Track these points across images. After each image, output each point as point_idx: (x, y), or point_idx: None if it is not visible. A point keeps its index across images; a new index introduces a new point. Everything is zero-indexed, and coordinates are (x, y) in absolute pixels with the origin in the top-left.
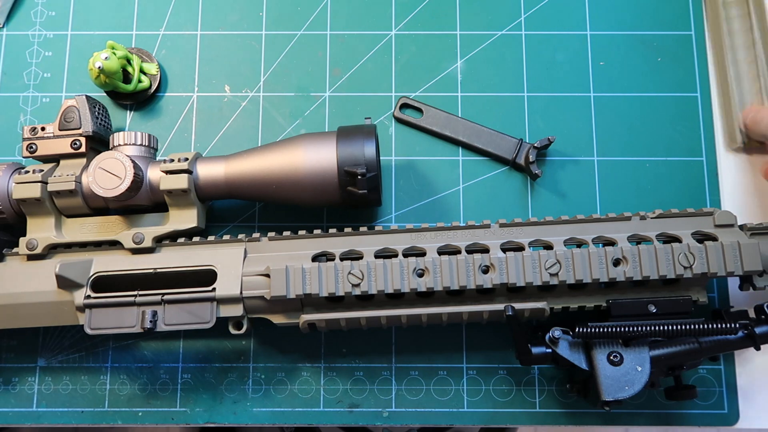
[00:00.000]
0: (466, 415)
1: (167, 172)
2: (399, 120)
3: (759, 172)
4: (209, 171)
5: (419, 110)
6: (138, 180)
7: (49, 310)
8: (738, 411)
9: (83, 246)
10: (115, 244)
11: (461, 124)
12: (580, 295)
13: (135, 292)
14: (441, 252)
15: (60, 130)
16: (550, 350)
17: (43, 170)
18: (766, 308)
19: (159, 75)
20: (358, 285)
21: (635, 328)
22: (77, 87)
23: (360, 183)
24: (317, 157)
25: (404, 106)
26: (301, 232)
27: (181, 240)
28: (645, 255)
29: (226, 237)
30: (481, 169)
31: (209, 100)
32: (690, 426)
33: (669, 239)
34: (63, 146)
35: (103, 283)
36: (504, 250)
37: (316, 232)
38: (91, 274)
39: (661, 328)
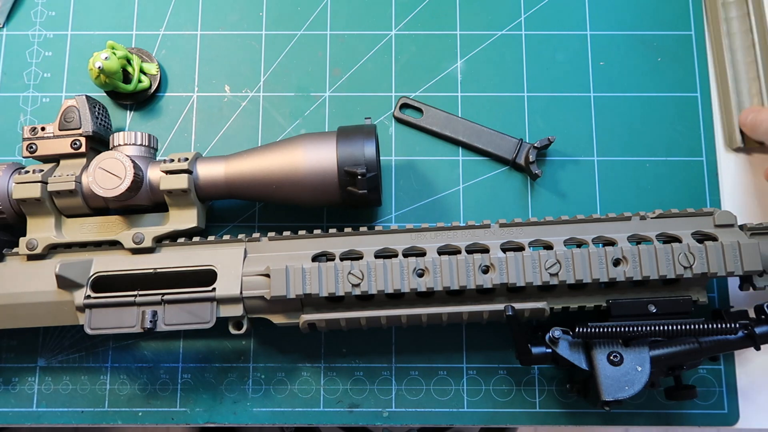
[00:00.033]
0: (466, 415)
1: (167, 172)
2: (399, 120)
3: (759, 172)
4: (209, 171)
5: (419, 110)
6: (138, 180)
7: (49, 310)
8: (738, 411)
9: (83, 246)
10: (115, 244)
11: (461, 124)
12: (580, 295)
13: (135, 292)
14: (441, 252)
15: (60, 130)
16: (550, 350)
17: (43, 170)
18: (766, 308)
19: (159, 75)
20: (358, 285)
21: (635, 328)
22: (77, 87)
23: (360, 183)
24: (317, 157)
25: (404, 106)
26: (301, 232)
27: (181, 240)
28: (645, 255)
29: (226, 237)
30: (481, 169)
31: (209, 100)
32: (690, 426)
33: (669, 239)
34: (63, 146)
35: (103, 283)
36: (504, 250)
37: (316, 232)
38: (91, 274)
39: (661, 328)
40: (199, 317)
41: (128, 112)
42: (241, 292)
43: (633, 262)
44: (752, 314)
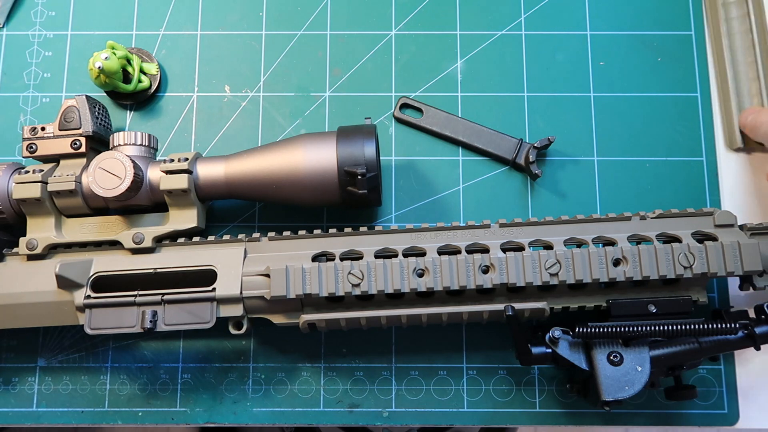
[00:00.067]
0: (466, 415)
1: (167, 172)
2: (399, 120)
3: (759, 173)
4: (209, 171)
5: (419, 110)
6: (138, 180)
7: (49, 310)
8: (738, 411)
9: (83, 246)
10: (115, 244)
11: (461, 124)
12: (580, 295)
13: (135, 292)
14: (441, 252)
15: (60, 130)
16: (550, 350)
17: (43, 170)
18: (766, 308)
19: (159, 75)
20: (358, 285)
21: (635, 328)
22: (77, 87)
23: (360, 183)
24: (317, 157)
25: (404, 106)
26: (301, 232)
27: (181, 240)
28: (645, 255)
29: (226, 237)
30: (481, 169)
31: (209, 100)
32: (690, 426)
33: (669, 239)
34: (63, 146)
35: (103, 283)
36: (504, 250)
37: (316, 232)
38: (91, 274)
39: (661, 328)
40: (199, 317)
41: (128, 112)
42: (241, 292)
43: (633, 262)
44: (752, 314)
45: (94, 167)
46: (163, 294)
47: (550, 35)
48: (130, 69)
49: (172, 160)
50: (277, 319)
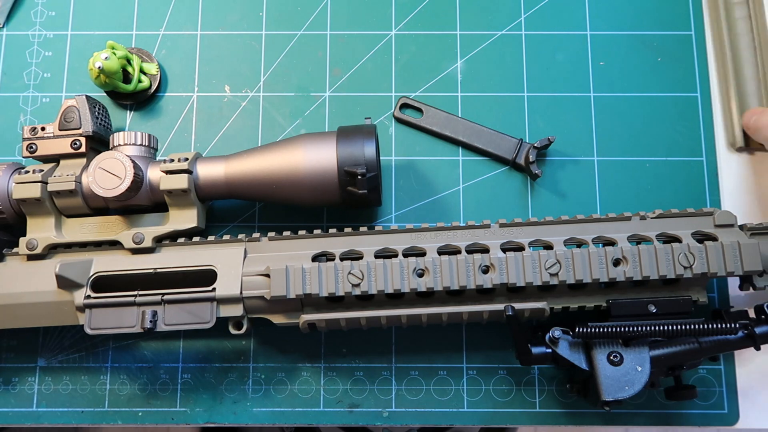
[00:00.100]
0: (466, 415)
1: (167, 172)
2: (399, 120)
3: (759, 173)
4: (209, 171)
5: (419, 110)
6: (138, 180)
7: (49, 310)
8: (738, 411)
9: (83, 246)
10: (115, 244)
11: (461, 124)
12: (580, 295)
13: (135, 292)
14: (441, 252)
15: (60, 130)
16: (550, 350)
17: (43, 170)
18: (766, 308)
19: (159, 75)
20: (358, 285)
21: (635, 328)
22: (77, 87)
23: (360, 183)
24: (317, 157)
25: (404, 106)
26: (301, 232)
27: (181, 240)
28: (645, 255)
29: (226, 237)
30: (481, 169)
31: (209, 100)
32: (690, 426)
33: (669, 239)
34: (63, 146)
35: (103, 283)
36: (504, 250)
37: (316, 232)
38: (91, 274)
39: (661, 328)
40: (199, 317)
41: (128, 112)
42: (241, 292)
43: (633, 262)
44: (752, 314)
45: (94, 167)
46: (163, 294)
47: (550, 35)
48: (130, 69)
49: (172, 160)
50: (277, 319)
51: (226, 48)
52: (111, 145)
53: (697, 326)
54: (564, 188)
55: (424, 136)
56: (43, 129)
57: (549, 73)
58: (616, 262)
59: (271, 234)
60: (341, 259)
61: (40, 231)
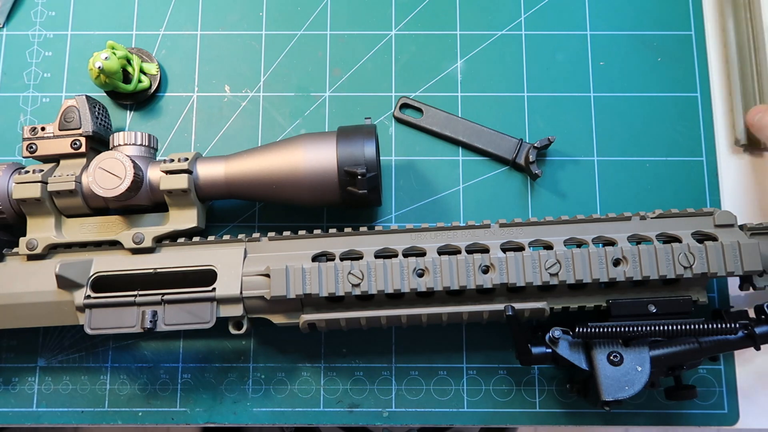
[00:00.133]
0: (466, 415)
1: (167, 172)
2: (399, 120)
3: (759, 172)
4: (209, 171)
5: (419, 110)
6: (138, 180)
7: (49, 310)
8: (738, 411)
9: (83, 246)
10: (115, 244)
11: (461, 124)
12: (580, 295)
13: (135, 292)
14: (441, 252)
15: (60, 130)
16: (550, 350)
17: (43, 170)
18: (766, 308)
19: (159, 75)
20: (358, 285)
21: (635, 328)
22: (77, 87)
23: (360, 183)
24: (317, 157)
25: (404, 106)
26: (301, 232)
27: (181, 240)
28: (645, 255)
29: (226, 237)
30: (481, 169)
31: (209, 100)
32: (690, 426)
33: (669, 239)
34: (63, 146)
35: (103, 283)
36: (504, 250)
37: (316, 232)
38: (91, 274)
39: (661, 328)
40: (199, 317)
41: (128, 112)
42: (241, 292)
43: (633, 262)
44: (752, 314)
45: (94, 167)
46: (163, 294)
47: (550, 35)
48: (130, 69)
49: (172, 160)
50: (277, 319)
51: (226, 48)
52: (111, 145)
53: (697, 326)
54: (564, 188)
55: (424, 136)
56: (43, 129)
57: (549, 73)
58: (616, 262)
59: (271, 234)
60: (341, 259)
61: (40, 231)
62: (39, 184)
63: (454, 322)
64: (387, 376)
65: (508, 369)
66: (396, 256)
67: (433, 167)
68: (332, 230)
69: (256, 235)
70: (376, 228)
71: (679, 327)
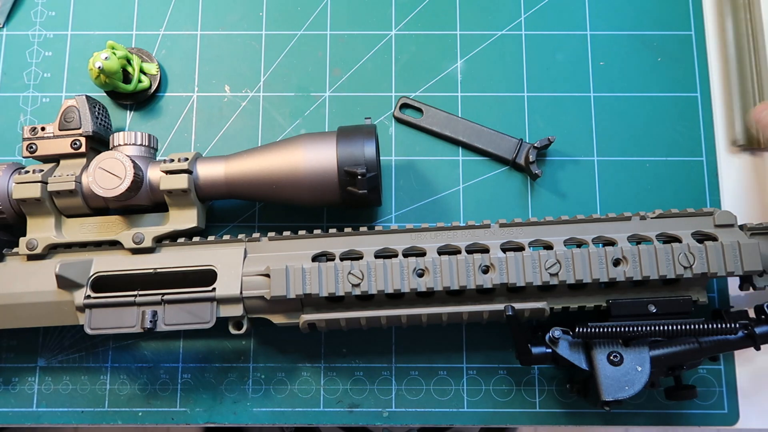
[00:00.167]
0: (466, 415)
1: (167, 172)
2: (399, 120)
3: (759, 172)
4: (209, 171)
5: (419, 110)
6: (138, 180)
7: (49, 310)
8: (738, 411)
9: (83, 246)
10: (115, 244)
11: (461, 124)
12: (580, 295)
13: (135, 292)
14: (441, 252)
15: (60, 130)
16: (550, 350)
17: (43, 170)
18: (766, 308)
19: (159, 75)
20: (358, 285)
21: (635, 328)
22: (77, 87)
23: (360, 183)
24: (317, 157)
25: (404, 106)
26: (301, 232)
27: (181, 240)
28: (645, 255)
29: (226, 237)
30: (481, 169)
31: (209, 100)
32: (690, 426)
33: (669, 239)
34: (63, 146)
35: (103, 283)
36: (504, 250)
37: (316, 232)
38: (91, 274)
39: (661, 328)
40: (199, 317)
41: (128, 112)
42: (241, 292)
43: (633, 262)
44: (752, 314)
45: (94, 167)
46: (163, 294)
47: (550, 35)
48: (130, 69)
49: (172, 160)
50: (277, 319)
51: (226, 48)
52: (111, 145)
53: (697, 326)
54: (564, 188)
55: (424, 136)
56: (43, 129)
57: (549, 73)
58: (616, 262)
59: (271, 234)
60: (341, 259)
61: (40, 231)
62: (39, 184)
63: (454, 322)
64: (387, 376)
65: (508, 369)
66: (396, 256)
67: (433, 167)
68: (332, 230)
69: (256, 235)
70: (376, 228)
71: (679, 327)
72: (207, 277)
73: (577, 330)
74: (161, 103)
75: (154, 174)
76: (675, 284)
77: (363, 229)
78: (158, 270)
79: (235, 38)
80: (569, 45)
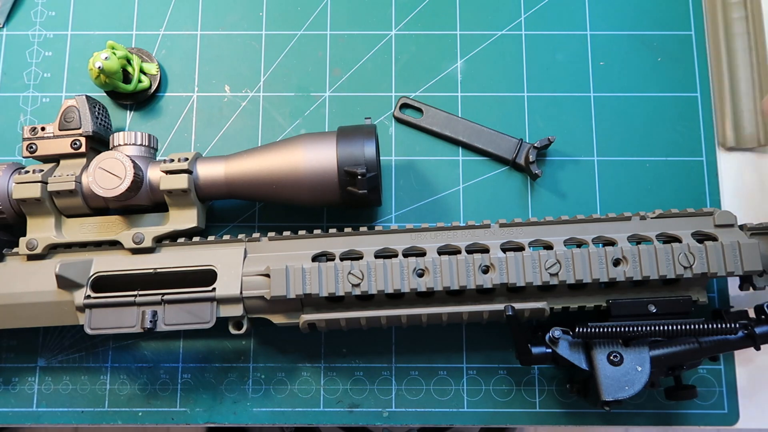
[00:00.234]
0: (466, 415)
1: (167, 172)
2: (399, 120)
3: (759, 172)
4: (209, 171)
5: (419, 110)
6: (138, 180)
7: (49, 310)
8: (738, 411)
9: (83, 246)
10: (115, 244)
11: (461, 124)
12: (580, 295)
13: (135, 292)
14: (441, 252)
15: (60, 130)
16: (550, 350)
17: (43, 170)
18: (766, 308)
19: (159, 75)
20: (358, 285)
21: (635, 328)
22: (77, 87)
23: (360, 183)
24: (317, 157)
25: (404, 106)
26: (301, 232)
27: (181, 240)
28: (645, 255)
29: (226, 237)
30: (481, 169)
31: (209, 100)
32: (690, 426)
33: (669, 239)
34: (63, 146)
35: (103, 283)
36: (504, 250)
37: (316, 232)
38: (91, 274)
39: (661, 328)
40: (199, 317)
41: (128, 112)
42: (241, 292)
43: (633, 262)
44: (752, 314)
45: (94, 167)
46: (163, 294)
47: (550, 35)
48: (130, 69)
49: (172, 160)
50: (277, 319)
51: (226, 48)
52: (111, 145)
53: (697, 326)
54: (564, 188)
55: (424, 136)
56: (43, 129)
57: (549, 73)
58: (616, 262)
59: (271, 234)
60: (341, 259)
61: (40, 231)
62: (39, 184)
63: (454, 322)
64: (387, 376)
65: (508, 369)
66: (396, 256)
67: (433, 167)
68: (332, 230)
69: (256, 235)
70: (376, 228)
71: (679, 327)
72: (207, 277)
73: (577, 330)
74: (161, 103)
75: (154, 174)
76: (675, 284)
77: (363, 229)
78: (158, 270)
79: (235, 38)
80: (569, 45)
